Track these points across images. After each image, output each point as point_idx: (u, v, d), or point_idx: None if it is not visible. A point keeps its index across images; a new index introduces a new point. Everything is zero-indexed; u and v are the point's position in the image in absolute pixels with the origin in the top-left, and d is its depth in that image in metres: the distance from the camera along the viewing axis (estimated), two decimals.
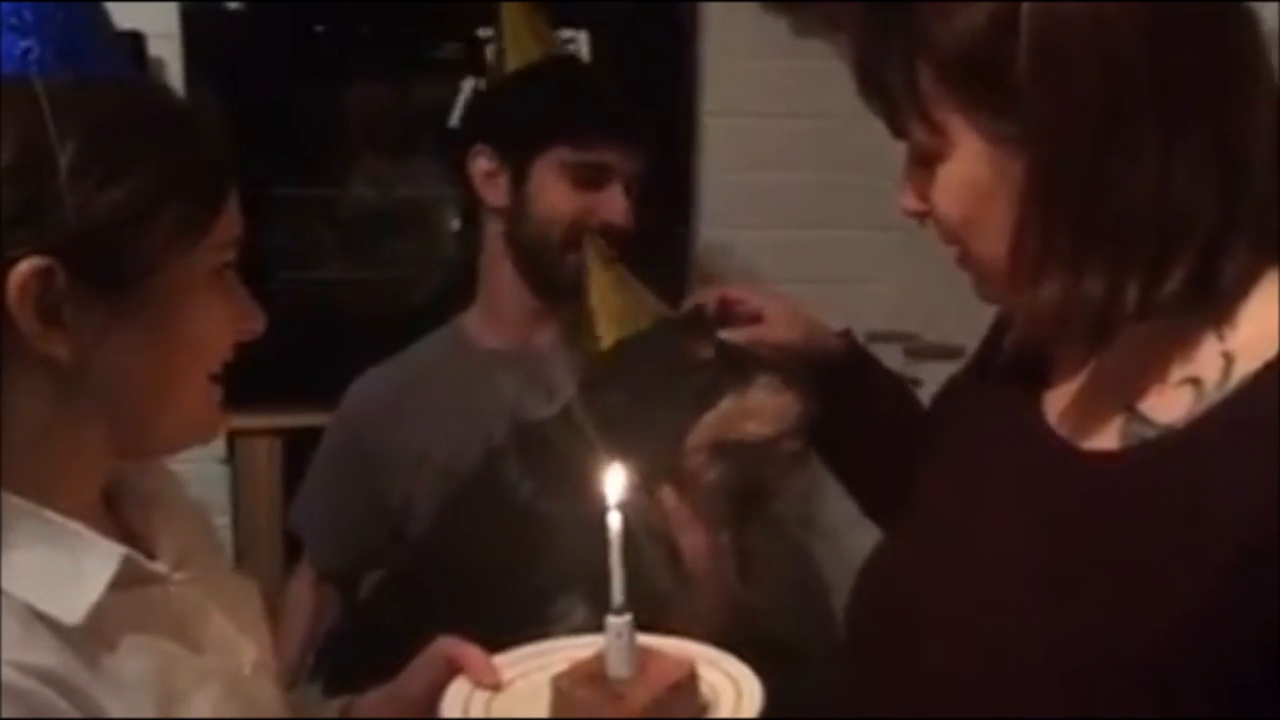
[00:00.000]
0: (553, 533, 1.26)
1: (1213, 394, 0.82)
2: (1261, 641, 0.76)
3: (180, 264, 0.79)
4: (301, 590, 1.69)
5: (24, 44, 0.74)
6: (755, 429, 1.24)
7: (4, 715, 0.68)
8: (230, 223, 0.82)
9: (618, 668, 0.81)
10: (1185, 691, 0.78)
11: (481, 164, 1.56)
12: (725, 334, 1.27)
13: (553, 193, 1.52)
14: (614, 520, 0.80)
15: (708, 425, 1.24)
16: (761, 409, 1.23)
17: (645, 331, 1.36)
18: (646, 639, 0.83)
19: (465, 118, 1.82)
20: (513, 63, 1.64)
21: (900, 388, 1.33)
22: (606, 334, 1.38)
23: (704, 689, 0.83)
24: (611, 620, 0.80)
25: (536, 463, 1.33)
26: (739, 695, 0.83)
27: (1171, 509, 0.80)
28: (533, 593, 1.26)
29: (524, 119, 1.55)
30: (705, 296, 1.36)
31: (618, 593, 0.80)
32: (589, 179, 1.51)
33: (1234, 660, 0.77)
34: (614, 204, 1.51)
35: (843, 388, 1.25)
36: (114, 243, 0.76)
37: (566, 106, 1.54)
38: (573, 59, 1.70)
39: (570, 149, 1.51)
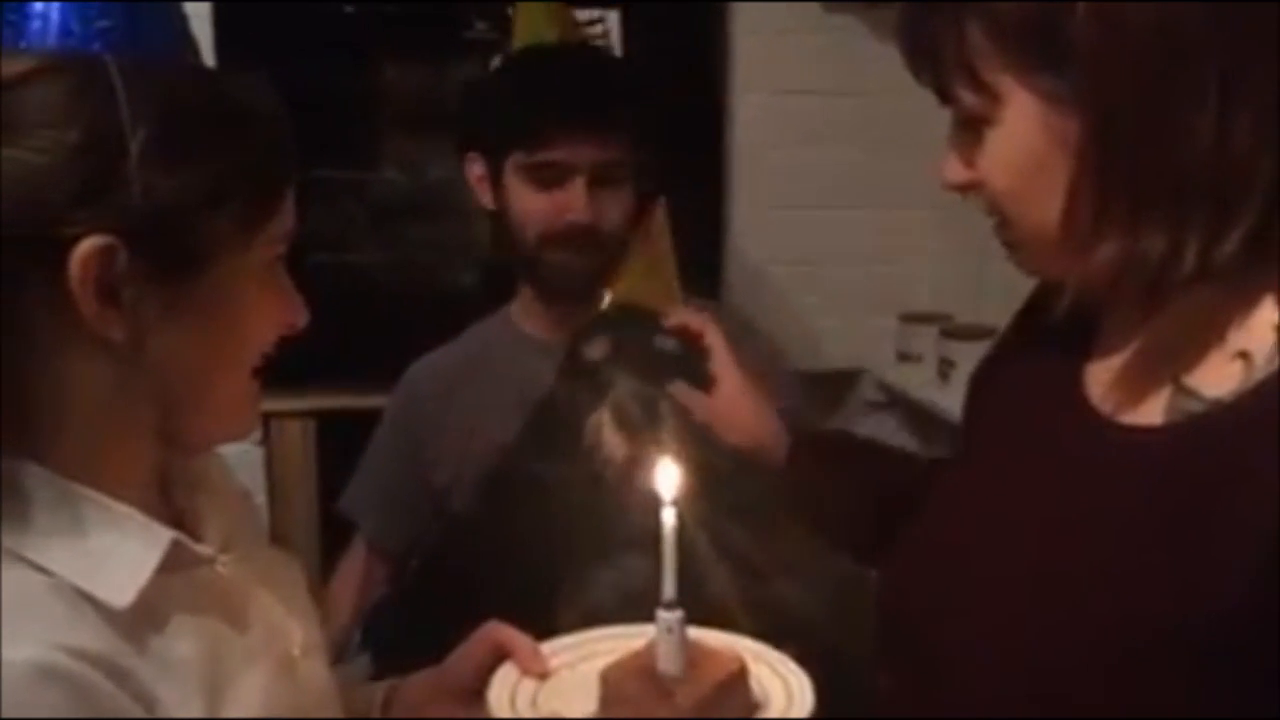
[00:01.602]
0: (562, 504, 1.27)
1: (1263, 368, 0.80)
2: None
3: (239, 254, 0.79)
4: (353, 567, 1.71)
5: (101, 23, 0.74)
6: (601, 451, 1.24)
7: (51, 698, 0.68)
8: (287, 215, 0.82)
9: (668, 664, 0.80)
10: (1226, 668, 0.77)
11: (473, 170, 1.58)
12: (673, 390, 1.20)
13: (519, 196, 1.52)
14: (668, 516, 0.79)
15: (590, 427, 1.25)
16: (598, 438, 1.24)
17: (603, 314, 1.36)
18: (696, 632, 0.83)
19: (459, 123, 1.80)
20: (519, 43, 1.63)
21: (869, 451, 1.29)
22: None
23: (754, 687, 0.83)
24: (662, 615, 0.80)
25: (542, 435, 1.35)
26: (789, 695, 0.82)
27: (1215, 484, 0.79)
28: (546, 566, 1.27)
29: (489, 125, 1.56)
30: (685, 313, 1.27)
31: (669, 588, 0.79)
32: (548, 179, 1.50)
33: (1271, 637, 0.75)
34: (572, 202, 1.49)
35: (803, 476, 1.19)
36: (178, 228, 0.76)
37: (517, 110, 1.52)
38: (540, 53, 1.67)
39: (524, 152, 1.50)
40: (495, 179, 1.55)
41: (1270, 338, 0.81)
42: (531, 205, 1.51)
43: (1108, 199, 0.81)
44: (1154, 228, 0.80)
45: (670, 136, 2.34)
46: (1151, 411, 0.86)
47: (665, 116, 2.34)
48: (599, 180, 1.50)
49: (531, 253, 1.53)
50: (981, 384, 1.07)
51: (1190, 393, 0.83)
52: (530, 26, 1.72)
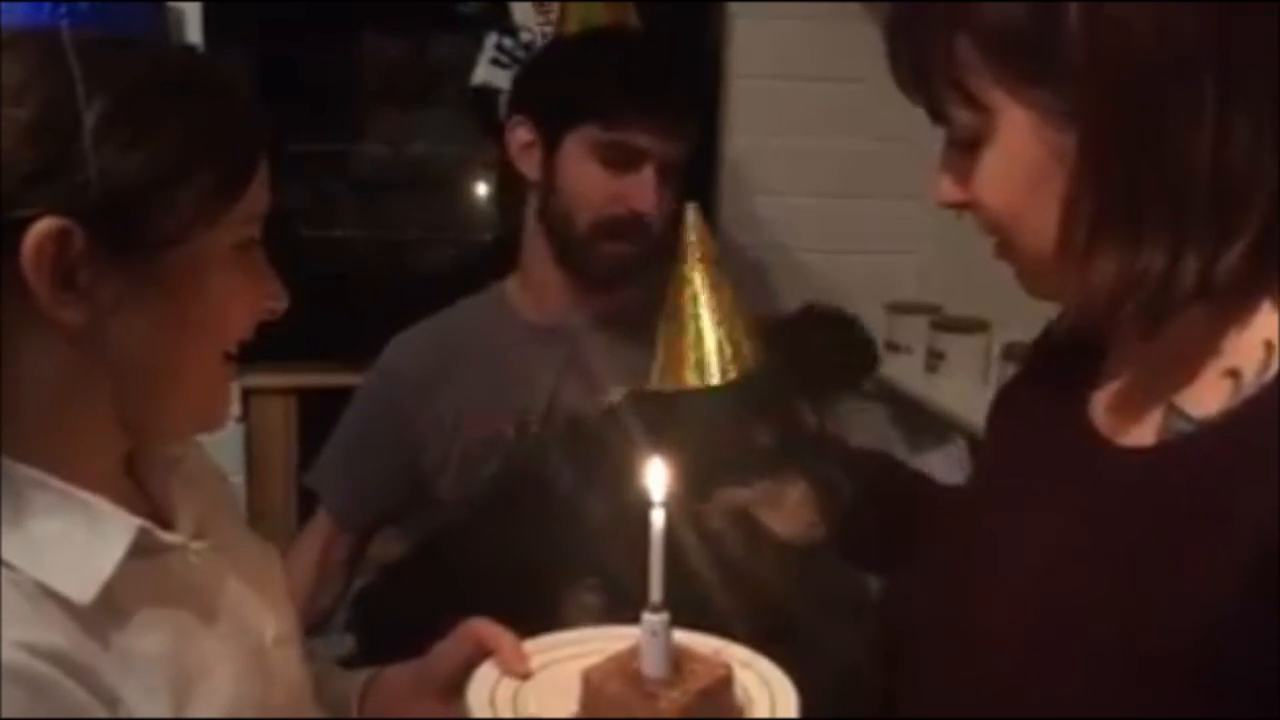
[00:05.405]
0: (587, 526, 1.26)
1: (1251, 385, 0.79)
2: None
3: (204, 236, 0.76)
4: (312, 543, 1.67)
5: None
6: (774, 524, 1.22)
7: (11, 698, 0.67)
8: (259, 196, 0.79)
9: (652, 667, 0.79)
10: (1208, 687, 0.76)
11: (519, 135, 1.53)
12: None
13: (580, 171, 1.47)
14: (657, 517, 0.78)
15: (736, 493, 1.21)
16: (786, 514, 1.21)
17: (723, 387, 1.27)
18: (682, 636, 0.82)
19: (511, 87, 1.76)
20: (573, 27, 1.60)
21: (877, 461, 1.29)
22: (695, 374, 1.26)
23: (739, 694, 0.82)
24: (648, 618, 0.79)
25: (582, 456, 1.33)
26: (774, 701, 0.81)
27: (1201, 503, 0.78)
28: (558, 580, 1.26)
29: (558, 92, 1.51)
30: None
31: (656, 590, 0.78)
32: (620, 160, 1.46)
33: (1257, 657, 0.75)
34: (643, 190, 1.46)
35: None
36: (136, 208, 0.73)
37: (600, 83, 1.48)
38: (625, 33, 1.64)
39: (600, 128, 1.46)
40: (549, 149, 1.49)
41: (1259, 355, 0.79)
42: (595, 185, 1.46)
43: (1105, 214, 0.78)
44: (1154, 243, 0.78)
45: None
46: (1145, 433, 0.85)
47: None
48: (664, 171, 1.46)
49: (580, 235, 1.48)
50: (1001, 407, 1.06)
51: (1180, 413, 0.82)
52: (583, 11, 1.69)
